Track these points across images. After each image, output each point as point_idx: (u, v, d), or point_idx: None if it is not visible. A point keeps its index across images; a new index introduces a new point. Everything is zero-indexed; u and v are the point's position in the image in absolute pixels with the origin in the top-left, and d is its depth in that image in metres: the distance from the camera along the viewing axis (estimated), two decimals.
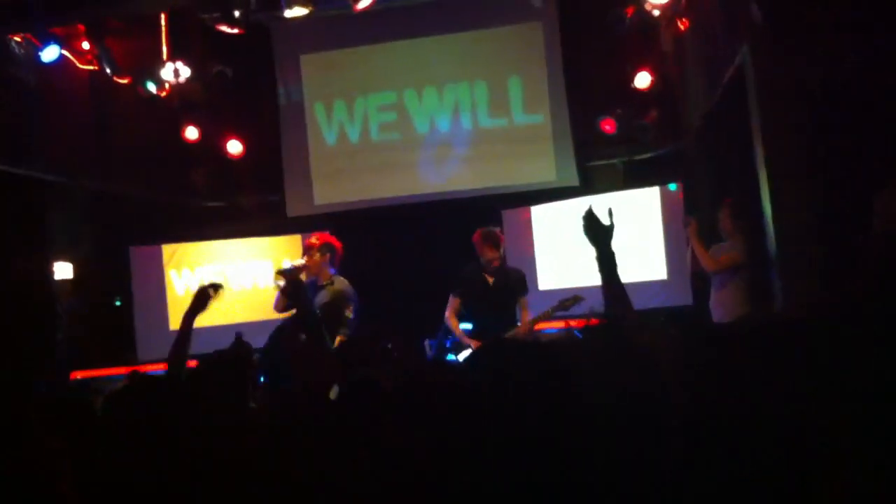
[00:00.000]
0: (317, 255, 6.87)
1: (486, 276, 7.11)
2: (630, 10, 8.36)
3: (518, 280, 7.24)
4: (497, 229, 7.31)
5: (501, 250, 7.10)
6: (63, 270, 8.50)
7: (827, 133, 5.37)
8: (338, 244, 7.03)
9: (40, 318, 8.18)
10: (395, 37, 9.90)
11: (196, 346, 4.30)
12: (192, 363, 3.75)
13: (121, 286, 9.40)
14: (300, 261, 6.79)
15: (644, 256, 8.54)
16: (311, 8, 7.45)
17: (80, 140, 8.88)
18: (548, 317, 6.94)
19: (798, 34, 5.44)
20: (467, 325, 7.27)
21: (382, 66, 9.99)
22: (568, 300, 6.78)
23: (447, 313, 7.22)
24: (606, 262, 3.24)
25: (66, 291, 8.63)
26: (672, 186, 8.60)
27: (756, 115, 5.91)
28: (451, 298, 7.23)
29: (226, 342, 4.36)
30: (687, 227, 6.98)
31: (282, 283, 6.55)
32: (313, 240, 7.03)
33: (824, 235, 5.37)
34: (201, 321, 4.43)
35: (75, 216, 8.94)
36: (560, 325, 6.98)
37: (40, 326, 8.17)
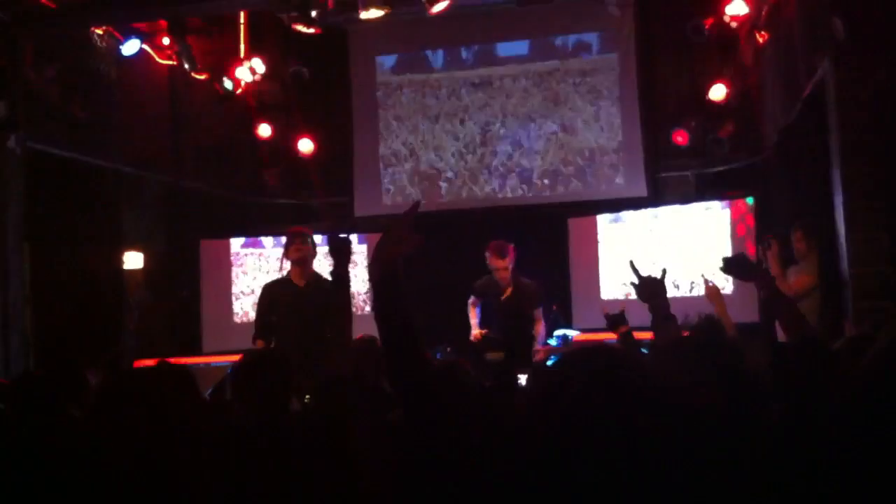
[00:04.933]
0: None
1: (501, 288, 7.03)
2: (709, 22, 8.24)
3: (532, 293, 7.06)
4: (510, 245, 7.00)
5: (508, 262, 6.88)
6: (134, 261, 8.65)
7: None
8: None
9: (109, 307, 8.33)
10: (469, 41, 9.92)
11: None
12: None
13: (190, 278, 9.54)
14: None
15: (710, 269, 8.37)
16: (387, 10, 7.45)
17: (156, 134, 9.04)
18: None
19: (881, 50, 5.29)
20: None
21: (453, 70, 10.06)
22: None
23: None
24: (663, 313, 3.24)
25: (136, 281, 8.78)
26: (749, 200, 8.41)
27: (835, 133, 5.75)
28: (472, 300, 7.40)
29: None
30: (766, 248, 6.44)
31: None
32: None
33: None
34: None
35: (148, 208, 9.10)
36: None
37: (109, 314, 8.31)
